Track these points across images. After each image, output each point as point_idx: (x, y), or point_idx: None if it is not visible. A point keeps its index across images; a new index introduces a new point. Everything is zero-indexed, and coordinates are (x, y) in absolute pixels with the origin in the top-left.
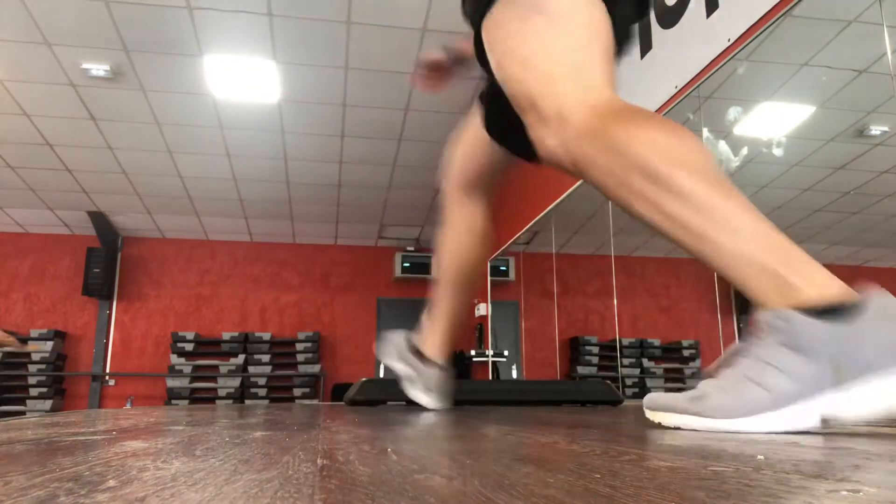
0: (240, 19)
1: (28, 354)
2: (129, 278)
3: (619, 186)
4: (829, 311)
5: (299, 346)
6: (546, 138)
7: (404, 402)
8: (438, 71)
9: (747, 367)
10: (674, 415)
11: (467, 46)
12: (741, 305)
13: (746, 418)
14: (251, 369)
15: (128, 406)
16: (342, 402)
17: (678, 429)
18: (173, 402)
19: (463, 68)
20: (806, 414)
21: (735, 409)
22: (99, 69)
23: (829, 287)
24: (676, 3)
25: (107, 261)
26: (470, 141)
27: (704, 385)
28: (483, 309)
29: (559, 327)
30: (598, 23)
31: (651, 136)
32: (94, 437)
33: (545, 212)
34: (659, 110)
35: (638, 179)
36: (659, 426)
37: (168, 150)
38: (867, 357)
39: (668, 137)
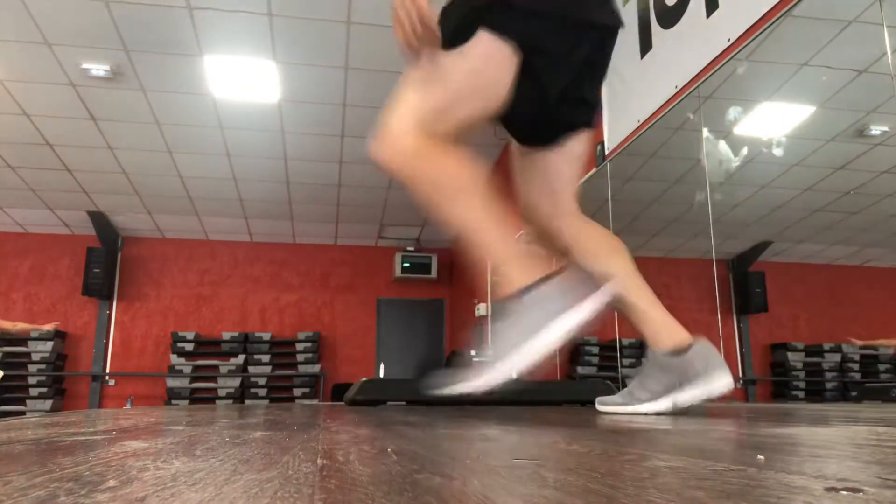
0: (240, 19)
1: (28, 354)
2: (129, 278)
3: (417, 193)
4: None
5: (299, 346)
6: (380, 146)
7: (404, 402)
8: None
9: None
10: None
11: None
12: (741, 306)
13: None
14: (251, 369)
15: (128, 406)
16: (342, 402)
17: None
18: (173, 402)
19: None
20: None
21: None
22: (99, 69)
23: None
24: (676, 3)
25: (107, 261)
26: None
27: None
28: (483, 309)
29: None
30: (481, 84)
31: (436, 171)
32: (94, 437)
33: None
34: (659, 110)
35: (429, 192)
36: (650, 425)
37: (168, 150)
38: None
39: (447, 170)
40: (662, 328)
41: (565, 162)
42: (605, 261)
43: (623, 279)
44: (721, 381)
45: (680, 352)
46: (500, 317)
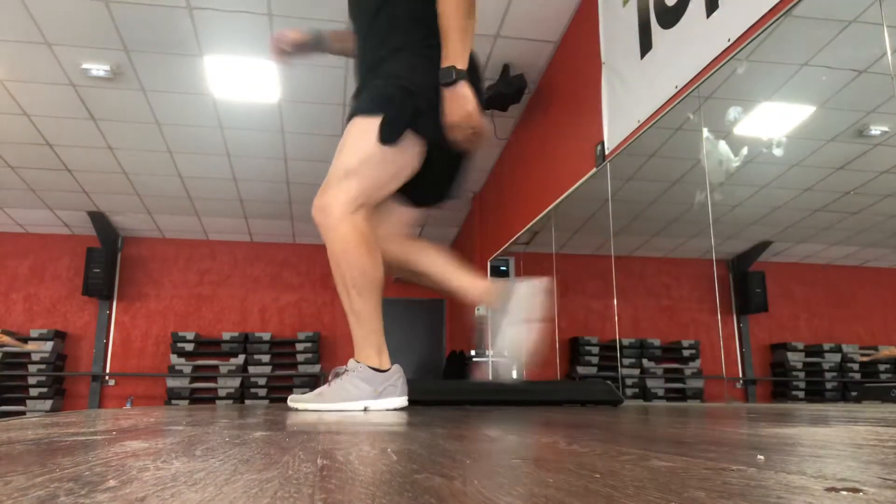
0: (240, 19)
1: (28, 354)
2: (129, 278)
3: (332, 260)
4: (378, 370)
5: (299, 346)
6: (320, 215)
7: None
8: (294, 47)
9: (346, 381)
10: (306, 404)
11: (334, 37)
12: (741, 306)
13: (349, 402)
14: (251, 369)
15: (128, 406)
16: None
17: (306, 410)
18: (173, 402)
19: (316, 51)
20: (362, 405)
21: (343, 398)
22: (99, 69)
23: (381, 360)
24: (676, 3)
25: (107, 261)
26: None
27: (321, 388)
28: (483, 309)
29: (559, 327)
30: (400, 164)
31: (355, 261)
32: (94, 437)
33: (545, 212)
34: (659, 110)
35: (338, 271)
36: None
37: (168, 150)
38: (387, 387)
39: (355, 257)
40: (477, 292)
41: (417, 215)
42: (420, 256)
43: (431, 267)
44: (528, 284)
45: (499, 297)
46: (350, 373)
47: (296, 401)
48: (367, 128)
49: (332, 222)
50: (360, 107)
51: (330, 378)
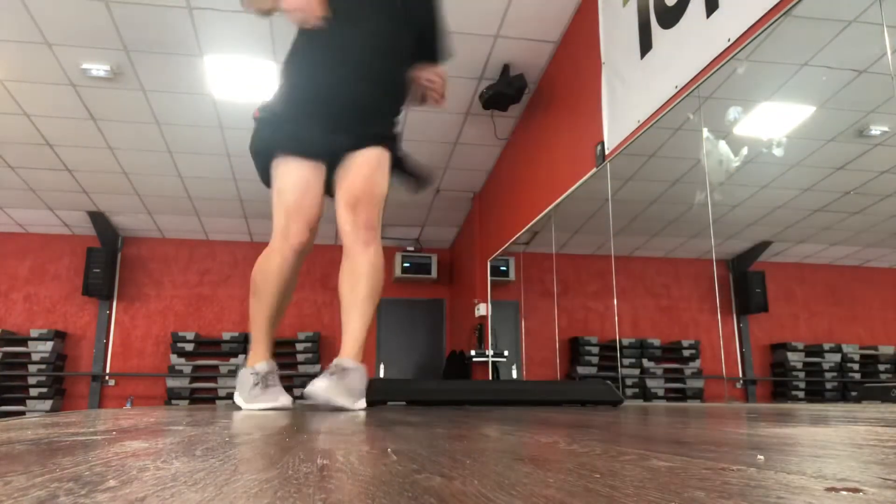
0: (240, 19)
1: (28, 354)
2: (129, 278)
3: (376, 278)
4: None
5: (299, 346)
6: (372, 226)
7: (404, 403)
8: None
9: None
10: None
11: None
12: (741, 306)
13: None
14: None
15: (128, 406)
16: None
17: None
18: (173, 402)
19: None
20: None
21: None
22: (99, 69)
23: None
24: (676, 3)
25: (107, 261)
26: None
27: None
28: (483, 309)
29: (559, 327)
30: None
31: (383, 271)
32: (94, 437)
33: (545, 212)
34: (659, 110)
35: (378, 285)
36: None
37: (168, 150)
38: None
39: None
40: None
41: None
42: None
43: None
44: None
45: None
46: (356, 371)
47: (353, 402)
48: (389, 163)
49: (378, 239)
50: (394, 145)
51: (335, 373)
